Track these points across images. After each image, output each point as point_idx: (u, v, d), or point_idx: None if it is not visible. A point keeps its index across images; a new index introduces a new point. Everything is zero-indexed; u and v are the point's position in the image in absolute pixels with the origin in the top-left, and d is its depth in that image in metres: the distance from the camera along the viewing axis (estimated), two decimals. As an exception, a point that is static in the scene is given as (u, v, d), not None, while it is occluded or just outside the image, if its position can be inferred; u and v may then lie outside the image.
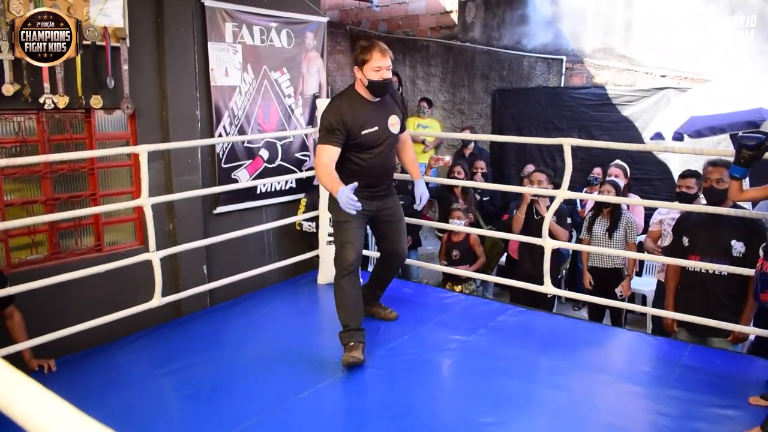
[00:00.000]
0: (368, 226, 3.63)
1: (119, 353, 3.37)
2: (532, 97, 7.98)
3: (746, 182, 5.53)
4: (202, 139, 4.60)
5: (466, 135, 6.52)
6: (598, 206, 4.86)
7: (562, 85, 7.93)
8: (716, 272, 3.56)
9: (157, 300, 3.49)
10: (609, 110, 7.35)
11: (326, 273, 4.36)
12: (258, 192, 5.17)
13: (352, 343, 3.21)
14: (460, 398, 2.92)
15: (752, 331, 3.58)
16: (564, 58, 7.88)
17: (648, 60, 7.35)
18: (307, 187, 5.27)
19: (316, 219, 4.68)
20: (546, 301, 4.60)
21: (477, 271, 4.95)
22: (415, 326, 3.72)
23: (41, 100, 3.70)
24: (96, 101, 3.96)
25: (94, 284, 3.58)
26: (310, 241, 4.88)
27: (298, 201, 5.24)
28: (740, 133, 2.92)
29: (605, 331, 4.08)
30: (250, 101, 5.01)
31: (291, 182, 5.37)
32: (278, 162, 5.29)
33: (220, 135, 4.82)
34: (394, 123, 3.40)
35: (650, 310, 4.00)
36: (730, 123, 5.23)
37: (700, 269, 3.62)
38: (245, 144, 5.03)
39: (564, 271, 5.58)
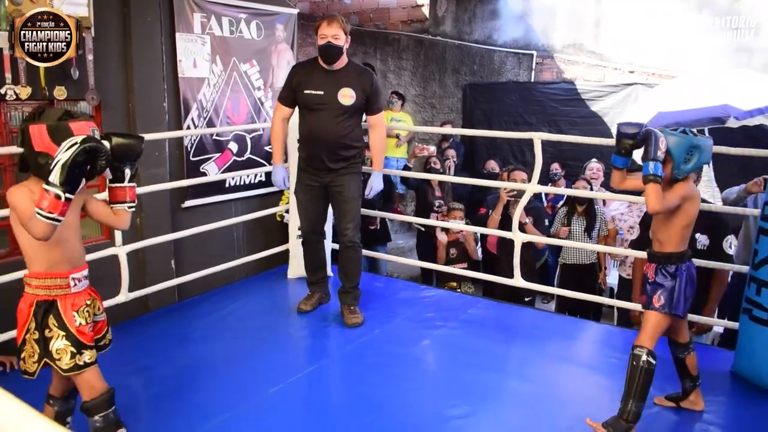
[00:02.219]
0: None
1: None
2: (503, 92, 8.03)
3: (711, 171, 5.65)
4: (169, 131, 4.53)
5: (439, 129, 6.55)
6: (571, 202, 4.92)
7: (533, 80, 7.98)
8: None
9: (124, 295, 3.43)
10: (578, 105, 7.43)
11: (296, 267, 4.32)
12: (227, 186, 5.11)
13: (309, 293, 3.88)
14: (431, 391, 2.92)
15: (713, 323, 3.66)
16: (534, 53, 7.94)
17: (617, 56, 7.44)
18: None
19: None
20: (521, 297, 4.61)
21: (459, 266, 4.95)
22: (386, 321, 3.71)
23: (2, 91, 3.60)
24: (60, 92, 3.87)
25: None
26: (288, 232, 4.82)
27: (272, 194, 5.18)
28: (619, 123, 2.73)
29: (573, 323, 4.12)
30: (218, 93, 4.94)
31: (260, 176, 5.31)
32: (247, 155, 5.24)
33: (188, 127, 4.75)
34: (345, 94, 3.51)
35: (619, 303, 4.04)
36: (697, 119, 5.31)
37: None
38: (214, 137, 4.97)
39: (537, 264, 5.63)
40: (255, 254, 4.48)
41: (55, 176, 1.83)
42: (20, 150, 2.06)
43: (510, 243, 4.29)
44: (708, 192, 5.86)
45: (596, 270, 4.92)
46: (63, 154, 1.85)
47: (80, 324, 2.08)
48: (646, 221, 3.90)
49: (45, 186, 1.84)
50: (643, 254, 3.78)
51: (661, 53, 7.05)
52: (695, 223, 3.57)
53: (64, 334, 2.03)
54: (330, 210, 3.86)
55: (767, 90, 5.51)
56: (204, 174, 4.89)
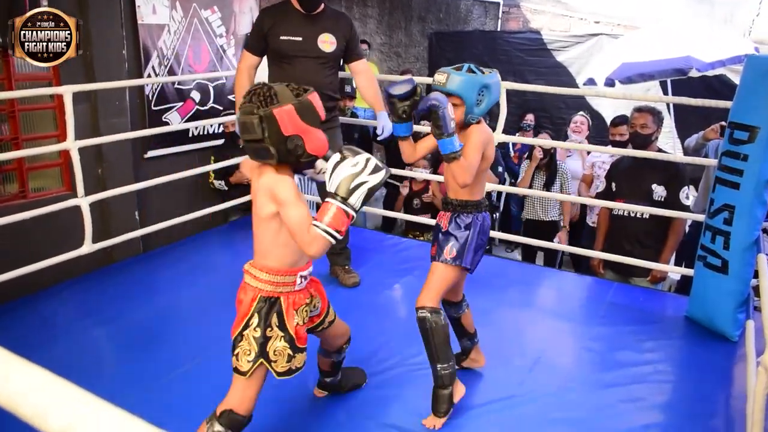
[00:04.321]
0: None
1: (49, 303, 3.27)
2: (469, 41, 7.98)
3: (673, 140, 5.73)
4: (129, 79, 4.42)
5: (405, 78, 6.48)
6: (533, 155, 4.95)
7: (499, 29, 7.94)
8: (639, 215, 3.72)
9: (88, 246, 3.39)
10: (544, 55, 7.44)
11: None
12: (190, 135, 5.02)
13: None
14: (395, 337, 2.98)
15: (670, 270, 3.79)
16: (501, 2, 7.88)
17: (583, 6, 7.42)
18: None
19: (226, 177, 4.60)
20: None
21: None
22: (353, 269, 3.75)
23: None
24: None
25: (19, 232, 3.45)
26: (223, 198, 4.66)
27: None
28: (387, 87, 2.37)
29: (536, 271, 4.22)
30: (179, 41, 4.81)
31: (225, 125, 5.23)
32: (210, 104, 5.14)
33: (149, 76, 4.64)
34: (325, 40, 3.29)
35: (577, 250, 4.14)
36: (660, 70, 5.38)
37: (625, 212, 3.78)
38: (175, 85, 4.86)
39: (497, 215, 5.71)
40: (220, 204, 4.45)
41: (357, 198, 1.71)
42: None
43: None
44: (669, 143, 5.97)
45: (558, 228, 4.96)
46: (369, 176, 1.72)
47: (297, 324, 1.95)
48: (609, 175, 3.97)
49: (335, 201, 1.71)
50: (597, 202, 3.88)
51: (626, 4, 7.06)
52: (653, 175, 3.69)
53: (283, 335, 1.91)
54: None
55: (729, 42, 5.58)
56: (166, 123, 4.80)
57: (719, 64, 5.24)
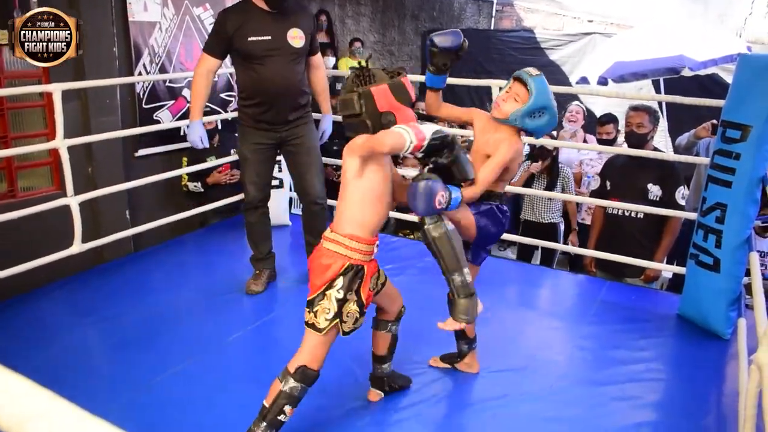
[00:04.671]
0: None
1: (39, 303, 3.25)
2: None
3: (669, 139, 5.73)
4: (120, 77, 4.39)
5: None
6: (533, 156, 4.88)
7: (492, 27, 7.94)
8: (633, 215, 3.72)
9: (77, 246, 3.36)
10: (537, 54, 7.44)
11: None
12: (182, 134, 5.00)
13: (257, 272, 3.47)
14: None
15: (663, 268, 3.79)
16: (494, 0, 7.87)
17: (576, 5, 7.43)
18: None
19: (202, 178, 4.55)
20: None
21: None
22: (345, 269, 3.73)
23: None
24: (2, 36, 3.69)
25: (8, 232, 3.41)
26: (200, 201, 4.55)
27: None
28: (433, 35, 2.22)
29: (529, 269, 4.22)
30: (171, 38, 4.79)
31: (216, 123, 5.20)
32: (203, 103, 5.10)
33: (140, 74, 4.61)
34: (295, 36, 3.14)
35: (575, 250, 4.14)
36: (652, 69, 5.40)
37: (619, 211, 3.77)
38: (167, 83, 4.83)
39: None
40: (212, 204, 4.42)
41: (430, 136, 1.93)
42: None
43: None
44: (661, 142, 5.98)
45: (557, 230, 4.90)
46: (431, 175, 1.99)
47: (369, 289, 2.14)
48: (603, 173, 3.97)
49: (426, 127, 1.95)
50: (590, 200, 3.88)
51: (620, 3, 7.07)
52: (648, 174, 3.68)
53: (357, 299, 2.07)
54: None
55: (722, 41, 5.60)
56: (157, 122, 4.77)
57: (712, 63, 5.25)
